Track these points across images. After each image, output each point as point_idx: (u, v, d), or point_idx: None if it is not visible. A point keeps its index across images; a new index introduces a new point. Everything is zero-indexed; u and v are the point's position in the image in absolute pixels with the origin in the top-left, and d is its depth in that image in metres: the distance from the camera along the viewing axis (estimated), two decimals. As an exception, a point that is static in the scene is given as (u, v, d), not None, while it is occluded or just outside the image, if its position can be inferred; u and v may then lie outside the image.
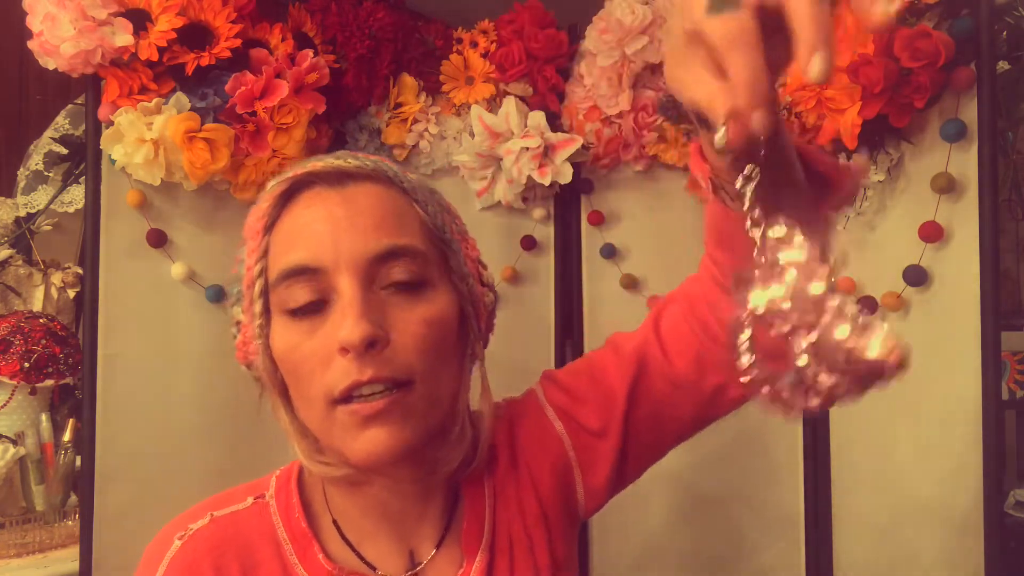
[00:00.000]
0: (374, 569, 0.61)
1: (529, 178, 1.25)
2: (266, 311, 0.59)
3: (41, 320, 1.41)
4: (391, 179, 0.60)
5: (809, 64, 0.38)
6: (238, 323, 0.62)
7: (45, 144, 1.59)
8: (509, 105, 1.26)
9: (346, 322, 0.53)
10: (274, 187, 0.60)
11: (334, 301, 0.56)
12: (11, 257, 1.51)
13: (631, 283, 1.31)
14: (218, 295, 1.21)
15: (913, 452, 1.09)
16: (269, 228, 0.59)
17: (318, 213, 0.57)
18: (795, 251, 0.41)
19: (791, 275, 0.40)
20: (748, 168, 0.43)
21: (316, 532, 0.63)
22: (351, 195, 0.58)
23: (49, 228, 1.58)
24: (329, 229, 0.56)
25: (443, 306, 0.58)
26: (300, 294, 0.56)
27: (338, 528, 0.63)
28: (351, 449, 0.56)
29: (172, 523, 0.64)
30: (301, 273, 0.56)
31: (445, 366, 0.59)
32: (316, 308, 0.56)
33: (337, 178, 0.58)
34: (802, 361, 0.40)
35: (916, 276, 1.05)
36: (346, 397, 0.54)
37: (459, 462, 0.63)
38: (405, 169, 0.64)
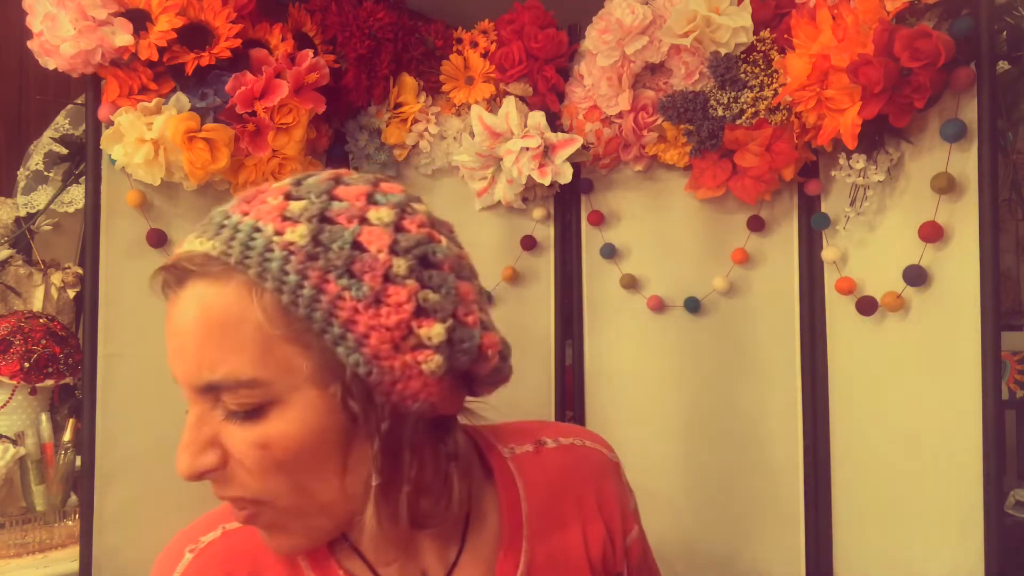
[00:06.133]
0: None
1: (529, 178, 1.25)
2: None
3: (41, 320, 1.41)
4: (236, 266, 0.50)
5: None
6: None
7: (45, 144, 1.59)
8: (509, 105, 1.26)
9: (178, 451, 0.52)
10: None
11: None
12: (11, 257, 1.51)
13: (631, 283, 1.31)
14: (218, 295, 1.21)
15: (913, 452, 1.09)
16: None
17: (167, 323, 0.53)
18: None
19: None
20: None
21: (331, 548, 0.61)
22: (183, 305, 0.52)
23: (49, 228, 1.58)
24: (170, 347, 0.53)
25: (293, 422, 0.51)
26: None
27: (351, 545, 0.61)
28: None
29: (183, 533, 0.63)
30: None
31: (312, 476, 0.53)
32: None
33: (177, 279, 0.52)
34: None
35: (916, 276, 1.05)
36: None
37: (439, 513, 0.59)
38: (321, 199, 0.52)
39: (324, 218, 0.51)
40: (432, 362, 0.52)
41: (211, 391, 0.51)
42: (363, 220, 0.52)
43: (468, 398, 0.60)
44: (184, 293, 0.51)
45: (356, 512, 0.55)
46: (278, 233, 0.50)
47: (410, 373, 0.51)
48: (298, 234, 0.50)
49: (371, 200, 0.53)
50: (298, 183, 0.54)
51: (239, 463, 0.52)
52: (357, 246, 0.51)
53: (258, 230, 0.50)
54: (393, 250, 0.51)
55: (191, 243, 0.52)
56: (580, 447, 0.71)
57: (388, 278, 0.51)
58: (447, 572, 0.62)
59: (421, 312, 0.52)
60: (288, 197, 0.52)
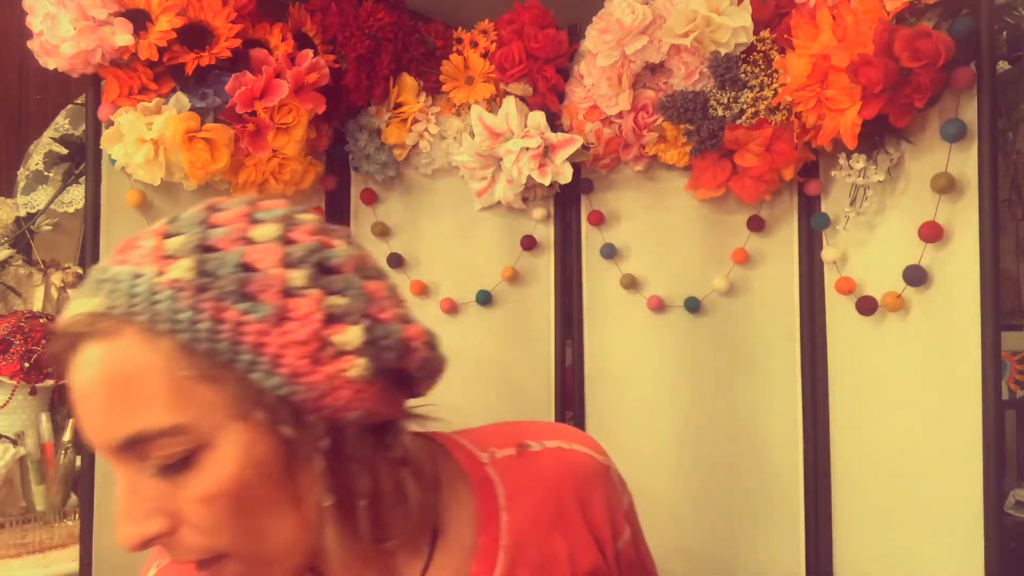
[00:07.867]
0: None
1: (529, 178, 1.25)
2: None
3: (41, 320, 1.41)
4: (124, 317, 0.48)
5: None
6: None
7: (45, 144, 1.59)
8: (509, 105, 1.26)
9: (116, 521, 0.48)
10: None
11: None
12: (11, 257, 1.52)
13: (631, 283, 1.31)
14: (218, 295, 1.21)
15: (913, 452, 1.09)
16: None
17: (71, 392, 0.50)
18: None
19: None
20: None
21: None
22: (81, 370, 0.48)
23: (49, 228, 1.59)
24: (78, 414, 0.49)
25: (228, 463, 0.48)
26: None
27: (315, 572, 0.59)
28: None
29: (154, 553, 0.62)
30: None
31: (266, 515, 0.50)
32: None
33: (69, 345, 0.49)
34: None
35: (916, 276, 1.05)
36: None
37: (399, 522, 0.55)
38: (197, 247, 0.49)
39: (205, 247, 0.49)
40: (357, 367, 0.50)
41: (132, 447, 0.48)
42: (246, 240, 0.50)
43: (412, 400, 0.58)
44: (79, 358, 0.48)
45: (321, 539, 0.53)
46: (160, 273, 0.48)
47: (337, 383, 0.49)
48: (181, 269, 0.48)
49: (251, 220, 0.52)
50: (172, 221, 0.53)
51: (188, 523, 0.49)
52: (246, 267, 0.48)
53: (138, 275, 0.49)
54: (286, 263, 0.49)
55: (75, 306, 0.50)
56: (566, 451, 0.66)
57: (287, 292, 0.49)
58: None
59: (331, 319, 0.49)
60: (164, 236, 0.51)
